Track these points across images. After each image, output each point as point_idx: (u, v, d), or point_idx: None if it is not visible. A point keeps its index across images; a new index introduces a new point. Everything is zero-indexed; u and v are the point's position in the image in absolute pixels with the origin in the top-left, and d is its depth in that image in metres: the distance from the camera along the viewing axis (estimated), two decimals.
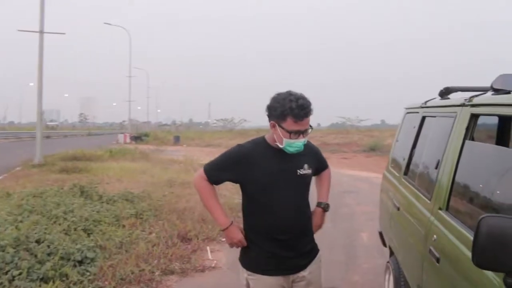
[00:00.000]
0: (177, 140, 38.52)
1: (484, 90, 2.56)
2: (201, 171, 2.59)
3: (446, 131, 2.61)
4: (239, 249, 2.64)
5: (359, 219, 8.05)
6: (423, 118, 3.39)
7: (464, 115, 2.40)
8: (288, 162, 2.50)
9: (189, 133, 51.48)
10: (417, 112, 3.60)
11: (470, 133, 2.31)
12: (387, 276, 3.77)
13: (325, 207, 2.74)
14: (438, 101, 3.16)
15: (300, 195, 2.57)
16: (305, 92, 2.43)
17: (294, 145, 2.40)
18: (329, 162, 2.92)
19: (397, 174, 3.78)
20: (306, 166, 2.55)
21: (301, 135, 2.39)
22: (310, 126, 2.43)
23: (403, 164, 3.59)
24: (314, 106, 2.41)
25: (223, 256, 5.62)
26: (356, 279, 4.88)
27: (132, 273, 4.65)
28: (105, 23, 43.71)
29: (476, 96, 2.38)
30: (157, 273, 4.77)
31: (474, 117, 2.31)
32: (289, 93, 2.38)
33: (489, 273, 1.67)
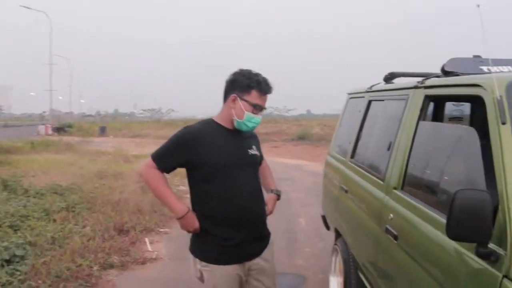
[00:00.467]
0: (103, 131, 37.12)
1: (425, 75, 2.65)
2: (148, 160, 2.43)
3: (397, 114, 2.66)
4: (186, 238, 2.54)
5: (295, 205, 8.19)
6: (369, 102, 3.46)
7: (417, 97, 2.45)
8: (240, 142, 2.46)
9: (115, 123, 49.72)
10: (363, 97, 3.66)
11: (424, 114, 2.37)
12: (334, 258, 3.83)
13: (279, 194, 2.70)
14: (386, 85, 3.23)
15: (255, 176, 2.52)
16: None
17: (253, 120, 2.37)
18: None
19: (342, 158, 3.83)
20: (254, 147, 2.53)
21: (259, 112, 2.39)
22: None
23: (350, 148, 3.64)
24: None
25: (163, 247, 5.48)
26: (300, 263, 4.94)
27: (68, 269, 4.38)
28: (21, 6, 40.69)
29: (429, 78, 2.45)
30: (95, 268, 4.54)
31: (427, 98, 2.38)
32: (251, 70, 2.39)
33: (451, 244, 1.72)
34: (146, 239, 5.71)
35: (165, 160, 2.41)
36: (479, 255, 1.50)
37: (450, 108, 3.79)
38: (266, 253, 2.54)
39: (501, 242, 1.48)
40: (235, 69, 2.45)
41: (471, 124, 3.29)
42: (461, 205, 1.44)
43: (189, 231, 2.47)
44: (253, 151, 2.50)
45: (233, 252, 2.41)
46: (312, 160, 15.67)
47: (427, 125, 2.37)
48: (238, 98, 2.35)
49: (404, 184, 2.38)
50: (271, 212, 2.65)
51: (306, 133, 28.02)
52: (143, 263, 4.92)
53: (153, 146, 2.60)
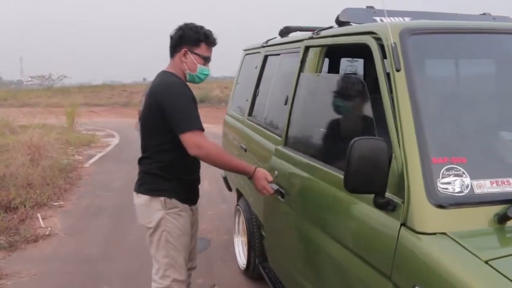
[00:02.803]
0: None
1: (314, 29, 2.61)
2: (197, 133, 2.32)
3: (293, 67, 2.59)
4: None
5: None
6: (266, 57, 3.36)
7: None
8: None
9: None
10: (259, 52, 3.56)
11: (320, 66, 2.32)
12: (236, 219, 3.79)
13: None
14: (282, 39, 3.15)
15: None
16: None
17: (205, 72, 2.41)
18: None
19: (240, 117, 3.74)
20: None
21: (208, 64, 2.43)
22: None
23: (247, 105, 3.55)
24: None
25: (58, 222, 5.10)
26: (204, 227, 4.85)
27: None
28: None
29: (324, 29, 2.39)
30: None
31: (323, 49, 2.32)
32: (195, 24, 2.39)
33: (345, 197, 1.70)
34: (38, 215, 5.26)
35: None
36: (377, 205, 1.48)
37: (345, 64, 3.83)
38: None
39: (397, 191, 1.46)
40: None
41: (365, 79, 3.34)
42: (359, 155, 1.39)
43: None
44: None
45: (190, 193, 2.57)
46: (213, 122, 15.49)
47: (309, 77, 2.32)
48: (189, 52, 2.35)
49: (287, 140, 2.33)
50: None
51: (206, 96, 27.76)
52: (35, 241, 4.53)
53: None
